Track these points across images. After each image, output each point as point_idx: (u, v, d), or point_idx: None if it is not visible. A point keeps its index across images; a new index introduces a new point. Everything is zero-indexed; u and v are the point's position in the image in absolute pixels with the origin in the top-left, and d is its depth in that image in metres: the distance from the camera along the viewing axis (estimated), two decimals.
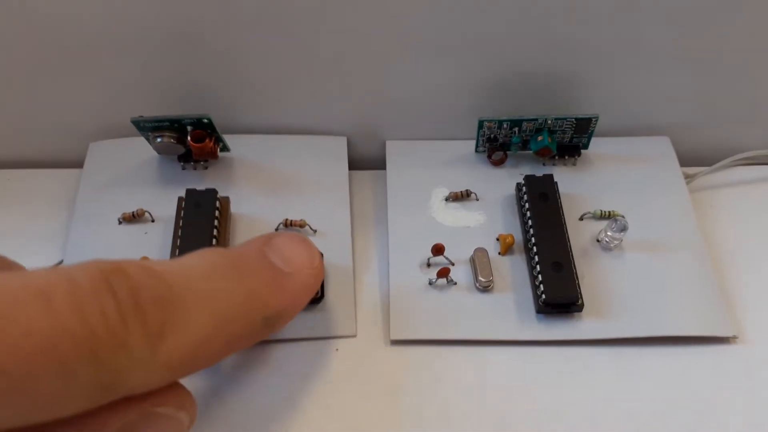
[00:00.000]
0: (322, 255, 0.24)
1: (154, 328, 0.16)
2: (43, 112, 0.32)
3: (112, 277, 0.15)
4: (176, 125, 0.30)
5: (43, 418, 0.15)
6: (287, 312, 0.21)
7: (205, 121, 0.30)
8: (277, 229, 0.30)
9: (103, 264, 0.16)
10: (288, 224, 0.30)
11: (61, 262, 0.29)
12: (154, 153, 0.32)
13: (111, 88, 0.31)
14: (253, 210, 0.31)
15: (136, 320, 0.15)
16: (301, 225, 0.30)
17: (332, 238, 0.30)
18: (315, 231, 0.30)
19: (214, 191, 0.29)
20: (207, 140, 0.30)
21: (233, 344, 0.19)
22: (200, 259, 0.19)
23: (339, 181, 0.32)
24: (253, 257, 0.20)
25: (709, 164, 0.34)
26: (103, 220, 0.30)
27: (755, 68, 0.31)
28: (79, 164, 0.33)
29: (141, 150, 0.32)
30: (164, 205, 0.30)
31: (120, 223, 0.30)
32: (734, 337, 0.28)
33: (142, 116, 0.29)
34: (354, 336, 0.28)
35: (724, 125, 0.34)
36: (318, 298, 0.28)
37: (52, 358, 0.14)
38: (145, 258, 0.28)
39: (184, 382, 0.20)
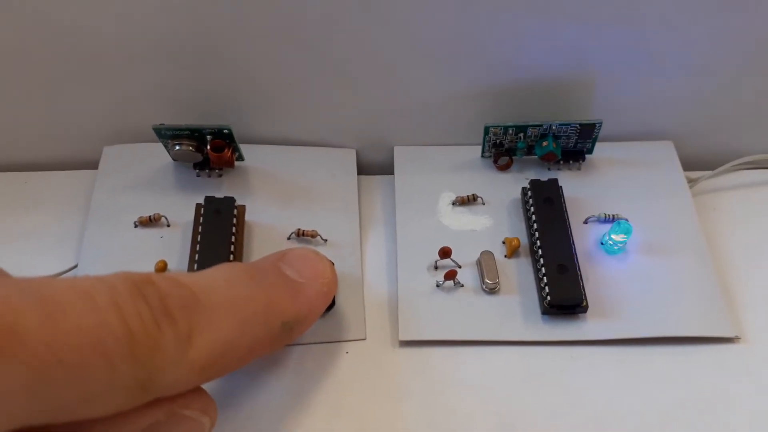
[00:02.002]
0: (333, 264, 0.25)
1: (184, 330, 0.17)
2: (60, 116, 0.33)
3: (142, 285, 0.17)
4: (196, 134, 0.31)
5: (87, 413, 0.16)
6: (304, 318, 0.22)
7: (226, 131, 0.30)
8: (289, 238, 0.31)
9: (133, 275, 0.17)
10: (300, 234, 0.31)
11: (75, 267, 0.30)
12: (168, 158, 0.33)
13: (127, 96, 0.32)
14: (266, 218, 0.32)
15: (168, 323, 0.17)
16: (313, 235, 0.31)
17: (342, 248, 0.31)
18: (326, 240, 0.31)
19: (232, 199, 0.30)
20: (226, 150, 0.31)
21: (255, 349, 0.20)
22: (221, 270, 0.20)
23: (348, 192, 0.33)
24: (269, 269, 0.22)
25: (712, 168, 0.34)
26: (117, 223, 0.31)
27: (757, 73, 0.32)
28: (93, 165, 0.33)
29: (155, 155, 0.33)
30: (179, 210, 0.31)
31: (136, 226, 0.31)
32: (736, 338, 0.28)
33: (163, 124, 0.30)
34: (363, 339, 0.29)
35: (727, 130, 0.35)
36: (330, 306, 0.28)
37: (99, 352, 0.15)
38: (162, 261, 0.29)
39: (206, 386, 0.21)
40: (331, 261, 0.25)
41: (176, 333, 0.17)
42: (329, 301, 0.23)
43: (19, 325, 0.14)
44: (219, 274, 0.20)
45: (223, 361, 0.19)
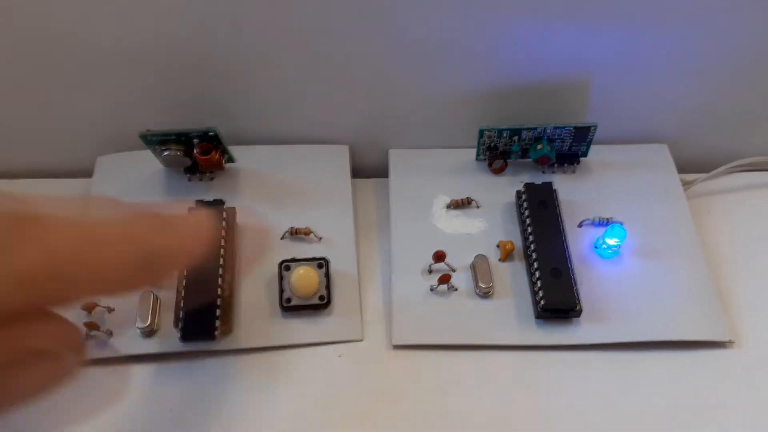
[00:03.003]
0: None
1: (5, 240, 0.15)
2: (55, 124, 0.33)
3: None
4: (183, 138, 0.31)
5: None
6: (171, 252, 0.18)
7: (211, 133, 0.30)
8: (282, 238, 0.31)
9: None
10: (294, 232, 0.31)
11: None
12: (161, 166, 0.33)
13: (120, 101, 0.32)
14: (258, 219, 0.31)
15: None
16: (307, 233, 0.31)
17: (337, 245, 0.31)
18: (320, 238, 0.31)
19: (221, 201, 0.30)
20: (213, 152, 0.31)
21: (105, 275, 0.17)
22: (82, 195, 0.18)
23: (342, 189, 0.33)
24: (139, 205, 0.19)
25: (707, 171, 0.34)
26: None
27: (752, 76, 0.32)
28: (87, 174, 0.33)
29: (148, 163, 0.33)
30: None
31: None
32: (730, 342, 0.28)
33: (149, 130, 0.30)
34: (361, 340, 0.28)
35: (721, 132, 0.35)
36: (324, 304, 0.28)
37: None
38: None
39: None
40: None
41: None
42: (203, 238, 0.19)
43: None
44: (78, 197, 0.17)
45: (61, 278, 0.16)
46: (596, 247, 0.30)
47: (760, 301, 0.30)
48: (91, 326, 0.27)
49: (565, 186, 0.32)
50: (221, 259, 0.28)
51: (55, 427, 0.21)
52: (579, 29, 0.29)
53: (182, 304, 0.27)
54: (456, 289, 0.29)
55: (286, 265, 0.29)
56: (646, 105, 0.33)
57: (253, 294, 0.29)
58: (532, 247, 0.29)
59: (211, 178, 0.33)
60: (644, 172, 0.33)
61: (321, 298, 0.28)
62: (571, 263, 0.29)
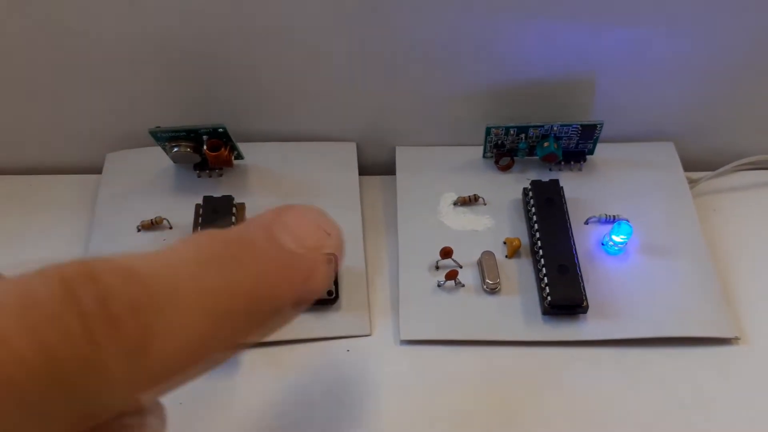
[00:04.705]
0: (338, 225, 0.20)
1: (133, 339, 0.13)
2: (65, 121, 0.33)
3: (76, 284, 0.13)
4: (192, 135, 0.31)
5: None
6: (302, 301, 0.17)
7: (220, 130, 0.31)
8: None
9: (66, 268, 0.13)
10: None
11: None
12: (170, 162, 0.33)
13: (130, 99, 0.32)
14: None
15: (109, 334, 0.13)
16: None
17: (345, 241, 0.31)
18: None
19: (230, 197, 0.30)
20: (222, 149, 0.31)
21: (237, 343, 0.16)
22: (192, 246, 0.15)
23: (350, 186, 0.33)
24: (259, 238, 0.17)
25: (713, 169, 0.34)
26: (122, 227, 0.31)
27: (758, 75, 0.32)
28: (97, 170, 0.34)
29: (157, 159, 0.33)
30: (182, 212, 0.31)
31: (139, 230, 0.31)
32: (736, 338, 0.28)
33: (159, 127, 0.30)
34: (369, 335, 0.29)
35: (728, 131, 0.35)
36: (333, 299, 0.29)
37: (8, 397, 0.12)
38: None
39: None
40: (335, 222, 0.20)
41: (123, 344, 0.13)
42: (333, 276, 0.19)
43: None
44: (189, 253, 0.15)
45: (191, 366, 0.15)
46: (603, 244, 0.31)
47: (766, 297, 0.30)
48: None
49: (572, 183, 0.33)
50: None
51: None
52: (585, 28, 0.29)
53: None
54: (463, 285, 0.30)
55: None
56: (652, 103, 0.33)
57: None
58: (539, 243, 0.30)
59: (220, 175, 0.33)
60: (650, 170, 0.33)
61: (329, 293, 0.29)
62: (577, 260, 0.29)
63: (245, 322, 0.16)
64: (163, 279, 0.14)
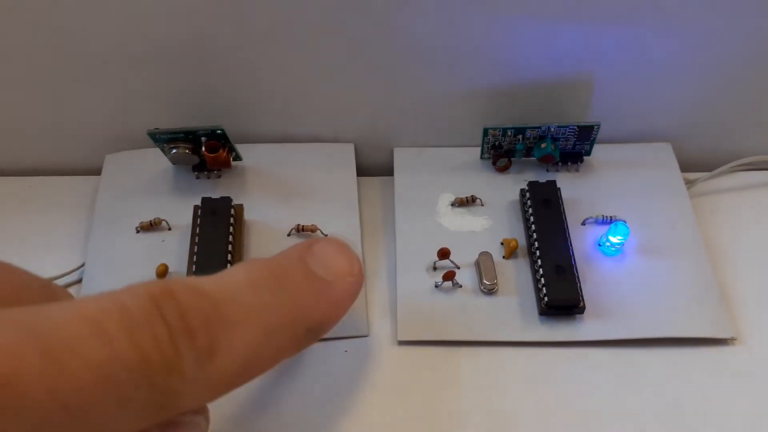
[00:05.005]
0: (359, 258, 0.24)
1: (204, 348, 0.16)
2: (64, 122, 0.33)
3: (161, 301, 0.16)
4: (190, 136, 0.31)
5: None
6: (330, 321, 0.21)
7: (219, 132, 0.31)
8: (289, 235, 0.31)
9: (151, 287, 0.16)
10: (300, 229, 0.31)
11: (83, 266, 0.30)
12: (169, 163, 0.33)
13: (128, 100, 0.32)
14: (265, 216, 0.32)
15: (187, 343, 0.16)
16: (313, 230, 0.31)
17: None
18: (326, 236, 0.31)
19: (228, 199, 0.30)
20: (221, 150, 0.31)
21: (278, 357, 0.19)
22: (244, 271, 0.19)
23: (348, 187, 0.33)
24: (295, 267, 0.20)
25: (710, 170, 0.34)
26: (121, 229, 0.31)
27: (755, 75, 0.32)
28: (96, 171, 0.34)
29: (156, 161, 0.33)
30: (180, 214, 0.31)
31: (138, 231, 0.31)
32: (733, 339, 0.28)
33: (157, 128, 0.30)
34: (366, 336, 0.29)
35: (725, 131, 0.35)
36: None
37: (109, 387, 0.14)
38: (163, 265, 0.29)
39: None
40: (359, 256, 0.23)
41: (196, 352, 0.16)
42: (354, 300, 0.22)
43: (18, 375, 0.13)
44: (242, 276, 0.18)
45: (246, 373, 0.18)
46: (600, 245, 0.31)
47: (763, 298, 0.30)
48: None
49: (569, 184, 0.33)
50: (229, 256, 0.29)
51: None
52: (582, 28, 0.30)
53: None
54: (460, 286, 0.30)
55: None
56: (649, 104, 0.33)
57: None
58: (536, 244, 0.30)
59: (219, 176, 0.33)
60: (647, 171, 0.34)
61: None
62: (574, 260, 0.29)
63: (286, 338, 0.19)
64: (225, 296, 0.17)
